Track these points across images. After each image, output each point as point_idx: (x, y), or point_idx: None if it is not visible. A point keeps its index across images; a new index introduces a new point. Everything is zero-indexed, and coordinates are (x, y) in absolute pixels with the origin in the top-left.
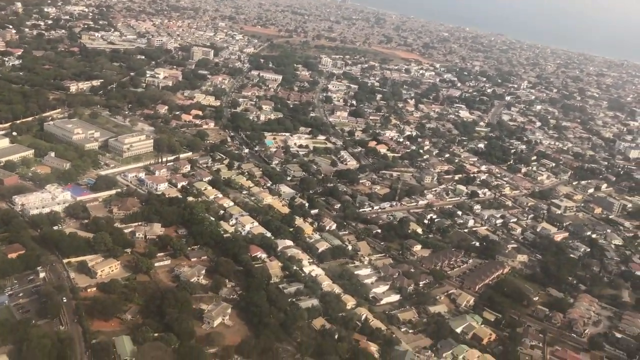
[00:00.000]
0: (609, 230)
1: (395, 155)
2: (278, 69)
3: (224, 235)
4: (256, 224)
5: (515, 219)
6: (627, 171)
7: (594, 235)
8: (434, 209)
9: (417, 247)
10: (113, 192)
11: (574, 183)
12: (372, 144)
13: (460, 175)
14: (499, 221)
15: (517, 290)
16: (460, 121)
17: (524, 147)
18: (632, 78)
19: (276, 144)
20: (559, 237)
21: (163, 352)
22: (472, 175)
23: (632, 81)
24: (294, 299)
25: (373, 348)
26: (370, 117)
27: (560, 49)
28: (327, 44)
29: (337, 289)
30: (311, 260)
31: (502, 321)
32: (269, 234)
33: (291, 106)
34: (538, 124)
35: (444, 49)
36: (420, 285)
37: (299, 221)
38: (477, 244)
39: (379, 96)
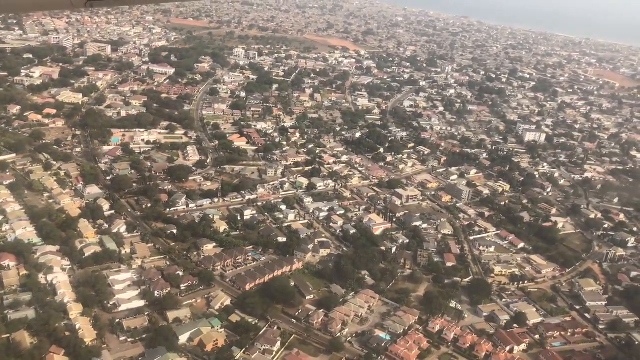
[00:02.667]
0: (443, 220)
1: (253, 148)
2: (177, 62)
3: None
4: (30, 228)
5: (343, 211)
6: (507, 155)
7: (424, 225)
8: (258, 204)
9: (209, 246)
10: None
11: (440, 170)
12: (234, 137)
13: (311, 167)
14: (324, 214)
15: (285, 288)
16: (355, 109)
17: (404, 134)
18: (582, 57)
19: (123, 140)
20: (379, 229)
21: None
22: (326, 166)
23: (580, 60)
24: (6, 311)
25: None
26: (252, 109)
27: (523, 29)
28: (256, 34)
29: (67, 298)
30: (68, 266)
31: (254, 323)
32: (37, 239)
33: (164, 100)
34: (440, 109)
35: (386, 34)
36: (182, 287)
37: (82, 224)
38: (283, 239)
39: (275, 86)
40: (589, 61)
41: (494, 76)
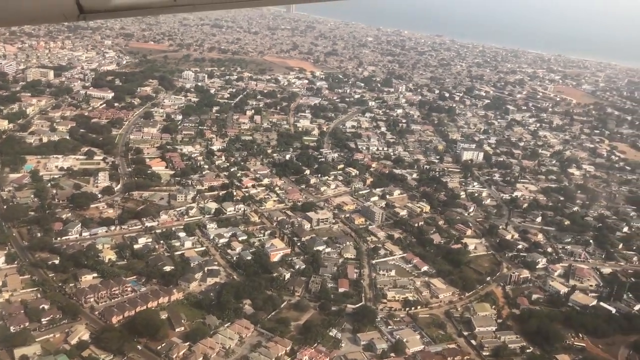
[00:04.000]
0: (348, 243)
1: (170, 172)
2: (120, 87)
3: None
4: None
5: (245, 237)
6: (439, 175)
7: (328, 250)
8: (157, 231)
9: (89, 277)
10: None
11: (364, 192)
12: (154, 161)
13: (225, 191)
14: (224, 240)
15: (152, 321)
16: (294, 131)
17: (335, 155)
18: (548, 73)
19: (37, 167)
20: (277, 255)
21: None
22: (243, 189)
23: (544, 77)
24: None
25: None
26: (184, 132)
27: (495, 47)
28: (215, 56)
29: None
30: None
31: (107, 359)
32: None
33: (92, 125)
34: (383, 129)
35: (350, 54)
36: (43, 321)
37: None
38: (170, 268)
39: (216, 109)
40: (553, 78)
41: (447, 95)
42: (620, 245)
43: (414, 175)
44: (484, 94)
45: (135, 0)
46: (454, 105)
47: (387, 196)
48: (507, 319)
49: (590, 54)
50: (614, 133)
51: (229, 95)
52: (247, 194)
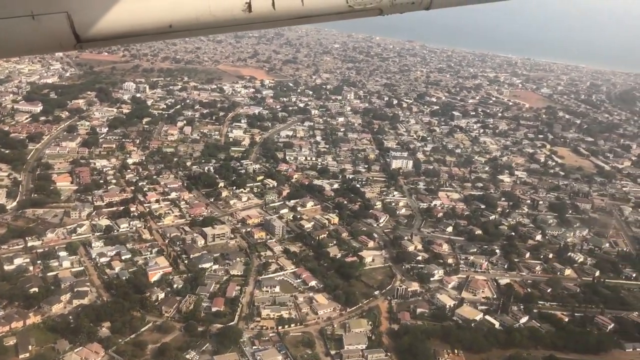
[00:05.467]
0: (238, 259)
1: (74, 187)
2: (54, 100)
3: None
4: None
5: (129, 255)
6: (356, 186)
7: (215, 267)
8: (38, 250)
9: None
10: None
11: (276, 204)
12: (61, 177)
13: (124, 207)
14: (105, 259)
15: None
16: (225, 141)
17: (257, 166)
18: (510, 77)
19: None
20: (156, 274)
21: None
22: (145, 204)
23: (506, 81)
24: None
25: None
26: (104, 145)
27: (465, 51)
28: (167, 66)
29: None
30: None
31: None
32: None
33: (7, 141)
34: (318, 138)
35: (309, 62)
36: None
37: None
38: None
39: (147, 120)
40: (514, 82)
41: (396, 102)
42: (528, 255)
43: (335, 186)
44: (434, 100)
45: (131, 27)
46: (399, 112)
47: (299, 208)
48: (382, 336)
49: (560, 56)
50: (558, 137)
51: (165, 106)
52: (148, 209)
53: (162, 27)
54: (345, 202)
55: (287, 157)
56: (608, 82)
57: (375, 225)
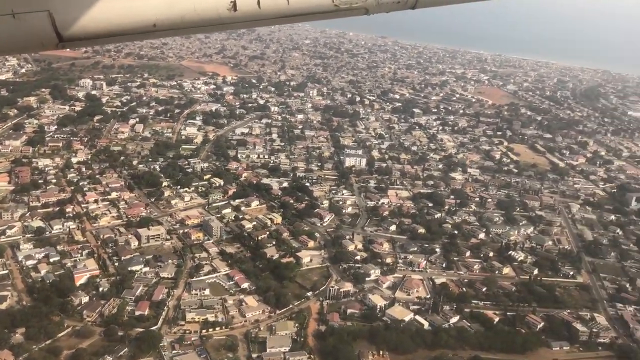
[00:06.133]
0: (170, 261)
1: (11, 188)
2: (3, 98)
3: None
4: None
5: (58, 257)
6: (305, 184)
7: (145, 269)
8: None
9: None
10: None
11: (220, 204)
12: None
13: (59, 208)
14: (32, 262)
15: None
16: (176, 139)
17: (205, 165)
18: (478, 74)
19: None
20: (82, 277)
21: None
22: (83, 205)
23: (472, 78)
24: None
25: None
26: (51, 144)
27: (437, 48)
28: (129, 62)
29: None
30: None
31: None
32: None
33: None
34: (274, 135)
35: (276, 57)
36: None
37: None
38: None
39: (98, 118)
40: (481, 78)
41: (359, 99)
42: (468, 253)
43: (284, 184)
44: (398, 97)
45: (115, 26)
46: (360, 109)
47: (243, 208)
48: (308, 338)
49: (531, 53)
50: (516, 134)
51: (120, 104)
52: (85, 210)
53: (146, 27)
54: (292, 201)
55: (238, 155)
56: (575, 78)
57: (319, 224)
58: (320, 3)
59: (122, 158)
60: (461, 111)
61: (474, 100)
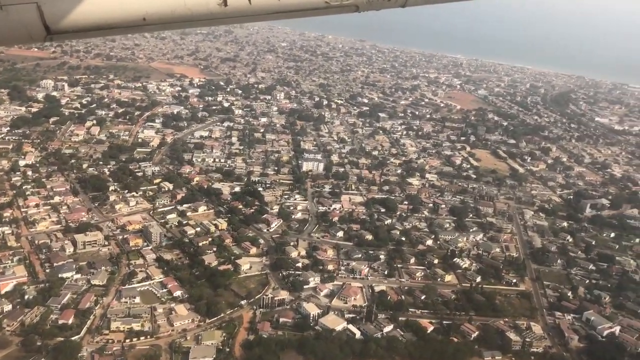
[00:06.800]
0: (104, 268)
1: None
2: None
3: None
4: None
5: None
6: (257, 189)
7: (77, 276)
8: None
9: None
10: None
11: (167, 209)
12: None
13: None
14: None
15: None
16: (131, 143)
17: (156, 169)
18: (452, 78)
19: None
20: (8, 285)
21: None
22: (23, 209)
23: (445, 82)
24: None
25: None
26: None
27: (415, 52)
28: (96, 63)
29: None
30: None
31: None
32: None
33: None
34: (234, 139)
35: (249, 60)
36: None
37: None
38: None
39: (54, 119)
40: (453, 83)
41: (326, 102)
42: (413, 260)
43: (236, 189)
44: (366, 101)
45: (104, 19)
46: (326, 113)
47: (190, 213)
48: (234, 348)
49: (508, 58)
50: (480, 140)
51: (79, 105)
52: (24, 214)
53: (136, 20)
54: (241, 206)
55: (194, 159)
56: (548, 84)
57: (266, 230)
58: (312, 0)
59: (72, 161)
60: (428, 116)
61: (442, 105)
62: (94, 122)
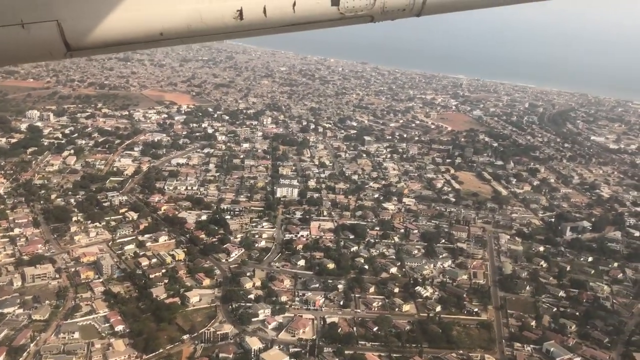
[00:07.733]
0: (46, 303)
1: None
2: None
3: None
4: None
5: None
6: (223, 217)
7: (19, 311)
8: None
9: None
10: None
11: (127, 239)
12: None
13: None
14: None
15: None
16: (106, 172)
17: (124, 198)
18: (448, 99)
19: None
20: None
21: None
22: None
23: (441, 103)
24: None
25: None
26: None
27: (416, 73)
28: (88, 92)
29: None
30: None
31: None
32: None
33: None
34: (212, 165)
35: (243, 85)
36: None
37: None
38: None
39: (32, 150)
40: (449, 104)
41: (313, 126)
42: (372, 289)
43: (203, 217)
44: (355, 124)
45: (122, 35)
46: (312, 137)
47: (150, 243)
48: None
49: (511, 77)
50: (466, 162)
51: (60, 135)
52: None
53: (154, 35)
54: (203, 235)
55: (166, 187)
56: (549, 102)
57: (224, 260)
58: (326, 11)
59: (42, 192)
60: (416, 138)
61: (432, 126)
62: (72, 151)
